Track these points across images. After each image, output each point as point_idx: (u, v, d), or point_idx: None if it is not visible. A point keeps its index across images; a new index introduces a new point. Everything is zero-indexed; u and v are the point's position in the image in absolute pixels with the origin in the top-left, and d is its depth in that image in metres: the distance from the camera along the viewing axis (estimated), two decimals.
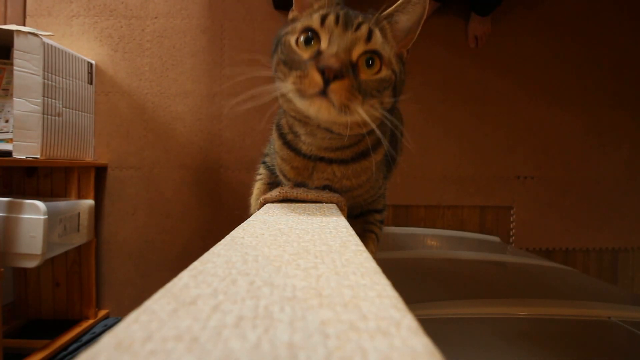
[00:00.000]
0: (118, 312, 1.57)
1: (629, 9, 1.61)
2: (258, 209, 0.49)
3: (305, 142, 0.52)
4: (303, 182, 0.56)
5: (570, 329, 0.68)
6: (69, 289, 1.50)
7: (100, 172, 1.54)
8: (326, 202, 0.52)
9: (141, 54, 1.55)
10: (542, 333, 0.65)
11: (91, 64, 1.52)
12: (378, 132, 0.47)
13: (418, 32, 0.49)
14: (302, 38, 0.45)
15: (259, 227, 0.32)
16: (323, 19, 0.45)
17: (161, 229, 1.56)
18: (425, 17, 0.48)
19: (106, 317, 1.54)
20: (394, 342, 0.13)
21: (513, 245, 1.61)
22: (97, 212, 1.53)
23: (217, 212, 1.57)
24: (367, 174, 0.55)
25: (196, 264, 0.21)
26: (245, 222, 0.35)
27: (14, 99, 1.20)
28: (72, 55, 1.39)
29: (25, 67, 1.20)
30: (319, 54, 0.44)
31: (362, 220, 0.65)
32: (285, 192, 0.53)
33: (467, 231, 1.60)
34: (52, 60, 1.27)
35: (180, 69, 1.56)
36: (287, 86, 0.45)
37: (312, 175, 0.55)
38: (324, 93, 0.42)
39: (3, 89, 1.36)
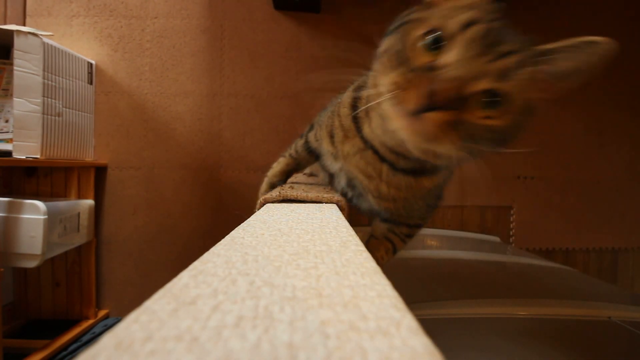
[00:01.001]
0: (118, 312, 1.57)
1: (629, 9, 1.61)
2: (260, 205, 0.49)
3: (372, 128, 0.47)
4: (341, 154, 0.50)
5: (570, 329, 0.68)
6: (69, 289, 1.50)
7: (100, 172, 1.54)
8: (326, 202, 0.52)
9: (141, 54, 1.55)
10: (542, 333, 0.65)
11: (91, 64, 1.52)
12: (445, 166, 0.42)
13: (576, 83, 0.37)
14: (429, 38, 0.36)
15: (259, 227, 0.32)
16: (467, 26, 0.35)
17: (161, 229, 1.56)
18: (594, 68, 0.36)
19: (106, 317, 1.54)
20: (394, 342, 0.13)
21: (513, 245, 1.61)
22: (97, 212, 1.53)
23: (217, 212, 1.57)
24: (407, 192, 0.49)
25: (196, 264, 0.21)
26: (245, 222, 0.35)
27: (14, 99, 1.20)
28: (72, 55, 1.39)
29: (25, 67, 1.20)
30: (434, 66, 0.35)
31: (388, 227, 0.58)
32: (286, 192, 0.53)
33: (467, 231, 1.60)
34: (52, 60, 1.27)
35: (180, 69, 1.56)
36: (383, 83, 0.38)
37: (354, 155, 0.49)
38: (417, 113, 0.35)
39: (3, 89, 1.36)
